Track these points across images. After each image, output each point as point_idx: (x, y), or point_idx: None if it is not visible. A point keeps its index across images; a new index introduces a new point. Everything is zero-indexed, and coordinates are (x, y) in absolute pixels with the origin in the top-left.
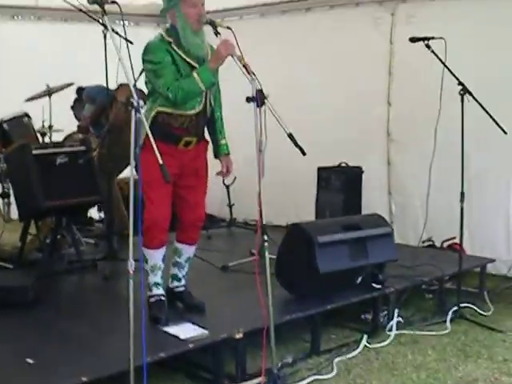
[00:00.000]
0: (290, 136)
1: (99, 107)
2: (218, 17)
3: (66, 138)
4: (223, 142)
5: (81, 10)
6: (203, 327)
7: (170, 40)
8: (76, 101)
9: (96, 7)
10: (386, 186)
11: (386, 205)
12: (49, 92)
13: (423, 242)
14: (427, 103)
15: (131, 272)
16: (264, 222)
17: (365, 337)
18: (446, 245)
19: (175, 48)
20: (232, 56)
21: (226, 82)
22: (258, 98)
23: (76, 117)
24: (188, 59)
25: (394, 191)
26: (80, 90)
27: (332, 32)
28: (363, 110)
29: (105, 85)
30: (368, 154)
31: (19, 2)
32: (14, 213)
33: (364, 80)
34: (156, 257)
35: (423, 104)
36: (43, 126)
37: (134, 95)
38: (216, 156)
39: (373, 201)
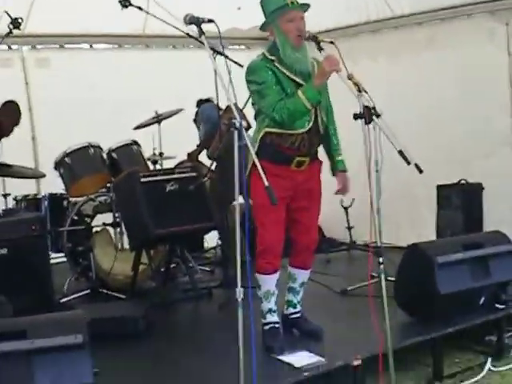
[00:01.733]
0: (401, 153)
1: (207, 137)
2: (330, 36)
3: (177, 166)
4: (339, 158)
5: (188, 35)
6: (320, 355)
7: (273, 58)
8: (197, 114)
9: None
10: None
11: None
12: (158, 119)
13: None
14: None
15: (239, 300)
16: (383, 244)
17: (489, 360)
18: None
19: (278, 66)
20: (337, 72)
21: (338, 98)
22: (366, 115)
23: (199, 129)
24: (292, 76)
25: None
26: (200, 103)
27: (446, 45)
28: (485, 124)
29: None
30: (491, 169)
31: (126, 30)
32: (127, 242)
33: (484, 93)
34: (269, 283)
35: None
36: (154, 153)
37: (237, 115)
38: (333, 173)
39: (497, 217)
